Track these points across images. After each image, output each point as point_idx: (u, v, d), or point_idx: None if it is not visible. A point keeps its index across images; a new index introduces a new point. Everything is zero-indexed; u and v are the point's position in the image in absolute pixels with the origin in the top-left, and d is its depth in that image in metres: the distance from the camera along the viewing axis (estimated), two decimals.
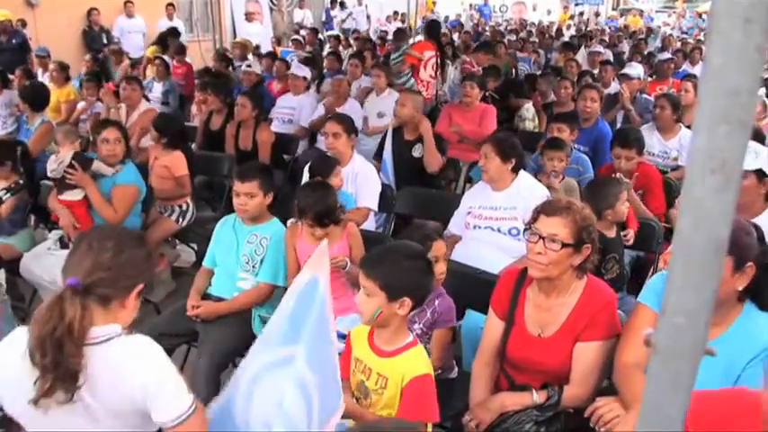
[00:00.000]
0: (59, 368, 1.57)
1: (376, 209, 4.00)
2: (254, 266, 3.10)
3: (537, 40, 12.11)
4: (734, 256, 1.82)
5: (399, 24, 14.18)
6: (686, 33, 19.55)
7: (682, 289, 0.67)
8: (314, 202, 2.96)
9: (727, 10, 0.68)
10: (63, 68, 6.99)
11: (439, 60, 6.96)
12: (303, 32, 12.67)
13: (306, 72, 6.51)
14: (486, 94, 6.30)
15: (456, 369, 2.77)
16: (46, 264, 3.69)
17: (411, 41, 8.33)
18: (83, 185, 3.83)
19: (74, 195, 3.87)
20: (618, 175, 3.73)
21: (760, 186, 2.95)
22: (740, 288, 1.88)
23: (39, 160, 5.17)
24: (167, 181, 4.43)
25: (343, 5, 16.73)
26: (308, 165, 3.92)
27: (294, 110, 6.20)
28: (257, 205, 3.11)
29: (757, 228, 1.99)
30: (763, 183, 2.95)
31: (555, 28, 18.27)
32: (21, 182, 4.11)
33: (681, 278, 0.67)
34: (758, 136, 4.05)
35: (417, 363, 2.04)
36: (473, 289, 2.78)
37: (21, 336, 1.67)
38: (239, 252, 3.12)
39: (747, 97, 0.67)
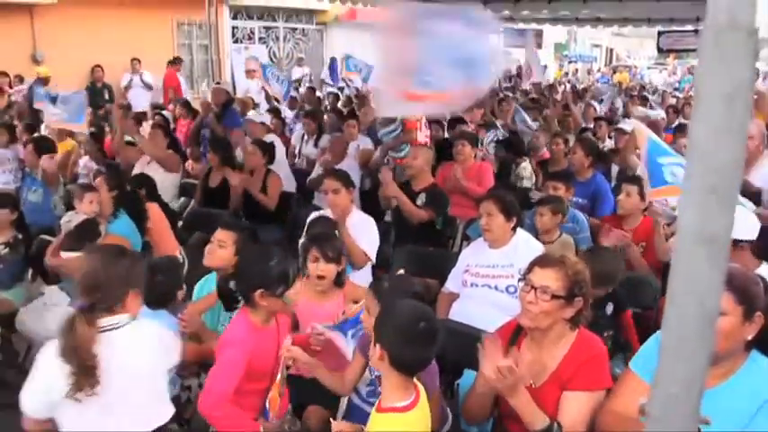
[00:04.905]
0: (81, 367, 2.01)
1: (374, 260, 4.01)
2: None
3: (536, 96, 12.27)
4: (744, 306, 1.85)
5: None
6: (677, 89, 19.92)
7: (675, 359, 0.68)
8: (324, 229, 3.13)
9: (711, 88, 0.71)
10: None
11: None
12: (301, 90, 12.84)
13: (264, 117, 7.06)
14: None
15: (450, 419, 2.72)
16: (42, 319, 3.67)
17: None
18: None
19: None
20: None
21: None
22: (749, 338, 1.90)
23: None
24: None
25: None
26: (309, 220, 3.97)
27: None
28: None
29: (764, 279, 2.03)
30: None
31: (548, 84, 18.53)
32: (19, 236, 4.15)
33: (674, 348, 0.68)
34: None
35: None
36: (471, 348, 2.75)
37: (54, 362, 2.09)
38: None
39: (733, 172, 0.70)
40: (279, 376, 2.47)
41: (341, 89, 13.88)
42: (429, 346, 2.05)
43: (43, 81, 10.47)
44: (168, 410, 2.26)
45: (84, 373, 2.02)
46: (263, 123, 7.24)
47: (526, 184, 6.22)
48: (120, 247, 2.47)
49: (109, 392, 2.05)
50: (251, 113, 7.87)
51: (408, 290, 2.55)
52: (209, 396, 2.36)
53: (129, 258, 2.29)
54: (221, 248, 3.06)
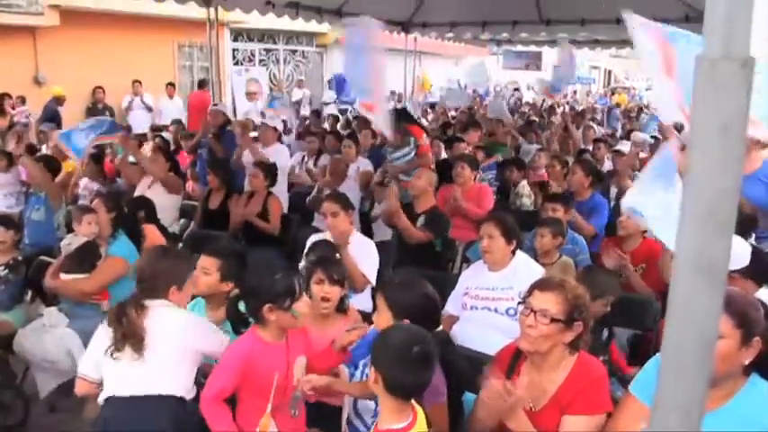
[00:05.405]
0: (129, 335, 2.48)
1: (374, 282, 4.00)
2: None
3: (536, 120, 12.33)
4: (742, 330, 1.85)
5: (396, 105, 14.38)
6: None
7: (674, 384, 0.69)
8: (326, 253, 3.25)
9: (707, 117, 0.72)
10: None
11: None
12: (302, 111, 12.89)
13: (277, 122, 6.71)
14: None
15: None
16: (40, 340, 3.66)
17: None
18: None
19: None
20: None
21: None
22: (746, 362, 1.90)
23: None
24: None
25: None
26: (309, 244, 3.96)
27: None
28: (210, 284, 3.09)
29: (764, 304, 2.03)
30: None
31: (548, 105, 18.63)
32: (19, 258, 4.15)
33: (673, 374, 0.68)
34: None
35: None
36: (471, 370, 2.75)
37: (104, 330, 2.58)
38: None
39: (730, 201, 0.71)
40: (270, 401, 2.43)
41: (342, 111, 13.95)
42: (423, 370, 2.03)
43: (57, 101, 10.62)
44: (190, 386, 2.58)
45: (132, 340, 2.48)
46: (275, 129, 7.26)
47: (525, 202, 6.22)
48: (166, 248, 3.08)
49: (144, 355, 2.49)
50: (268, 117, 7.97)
51: (418, 290, 2.55)
52: (204, 394, 2.43)
53: (171, 258, 2.77)
54: (205, 275, 3.04)
